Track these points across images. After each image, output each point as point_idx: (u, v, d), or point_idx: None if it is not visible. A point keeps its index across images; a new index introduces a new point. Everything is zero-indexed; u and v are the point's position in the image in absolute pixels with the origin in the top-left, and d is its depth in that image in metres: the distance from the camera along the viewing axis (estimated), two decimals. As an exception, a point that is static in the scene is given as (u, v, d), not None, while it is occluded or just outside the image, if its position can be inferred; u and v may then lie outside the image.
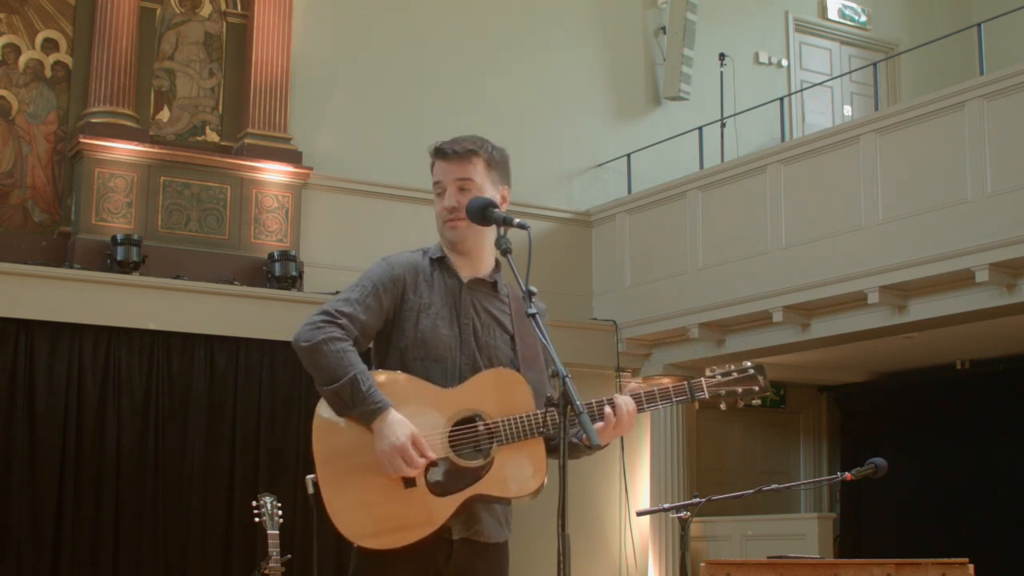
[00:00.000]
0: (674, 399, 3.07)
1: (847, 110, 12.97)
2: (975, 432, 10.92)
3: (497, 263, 3.25)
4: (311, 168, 9.91)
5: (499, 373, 3.08)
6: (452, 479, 2.98)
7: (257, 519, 6.25)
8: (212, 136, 9.89)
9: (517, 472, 2.98)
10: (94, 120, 9.25)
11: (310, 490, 3.15)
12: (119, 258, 8.89)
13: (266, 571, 6.15)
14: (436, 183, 3.19)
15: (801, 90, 12.80)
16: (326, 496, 3.00)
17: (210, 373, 9.00)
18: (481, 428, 3.00)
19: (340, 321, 3.04)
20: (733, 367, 3.15)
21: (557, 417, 2.85)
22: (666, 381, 3.18)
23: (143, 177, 9.32)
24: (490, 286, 3.21)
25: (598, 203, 11.31)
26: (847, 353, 10.55)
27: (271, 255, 9.51)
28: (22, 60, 9.39)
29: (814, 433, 12.72)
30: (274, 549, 6.11)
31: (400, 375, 3.08)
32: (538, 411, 3.00)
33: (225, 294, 9.16)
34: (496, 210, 3.07)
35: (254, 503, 6.30)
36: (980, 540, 10.08)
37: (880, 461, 5.17)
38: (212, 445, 8.90)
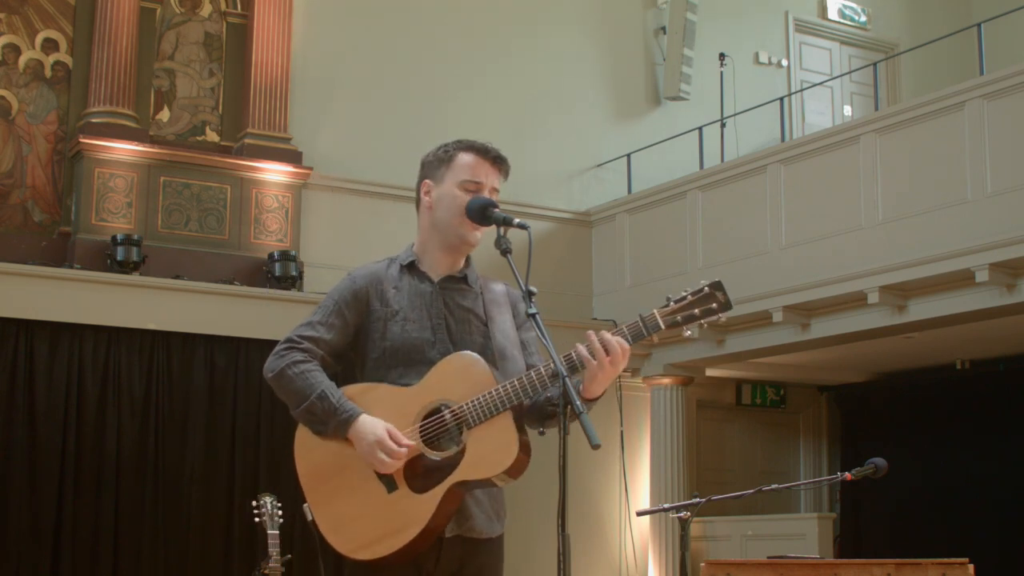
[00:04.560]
0: (630, 338, 2.98)
1: (847, 110, 12.97)
2: (975, 432, 10.91)
3: (467, 257, 3.28)
4: (311, 168, 9.91)
5: (454, 358, 3.07)
6: (430, 473, 3.00)
7: (257, 519, 6.25)
8: (212, 136, 9.89)
9: (490, 451, 2.96)
10: (94, 120, 9.25)
11: (309, 517, 3.19)
12: (119, 258, 8.88)
13: (266, 571, 6.14)
14: (472, 181, 3.17)
15: (801, 90, 12.80)
16: (318, 516, 3.09)
17: (210, 373, 8.99)
18: (448, 416, 3.01)
19: (302, 345, 3.15)
20: (687, 290, 3.03)
21: (527, 384, 2.94)
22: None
23: (143, 177, 9.32)
24: (460, 280, 3.24)
25: (598, 203, 11.31)
26: (847, 353, 10.55)
27: (271, 255, 9.51)
28: (22, 60, 9.39)
29: (814, 433, 12.72)
30: (274, 549, 6.11)
31: (364, 385, 3.15)
32: (501, 384, 2.98)
33: (225, 294, 9.16)
34: (496, 210, 3.12)
35: (254, 503, 6.29)
36: (980, 540, 10.08)
37: (880, 461, 5.17)
38: (212, 445, 8.89)
